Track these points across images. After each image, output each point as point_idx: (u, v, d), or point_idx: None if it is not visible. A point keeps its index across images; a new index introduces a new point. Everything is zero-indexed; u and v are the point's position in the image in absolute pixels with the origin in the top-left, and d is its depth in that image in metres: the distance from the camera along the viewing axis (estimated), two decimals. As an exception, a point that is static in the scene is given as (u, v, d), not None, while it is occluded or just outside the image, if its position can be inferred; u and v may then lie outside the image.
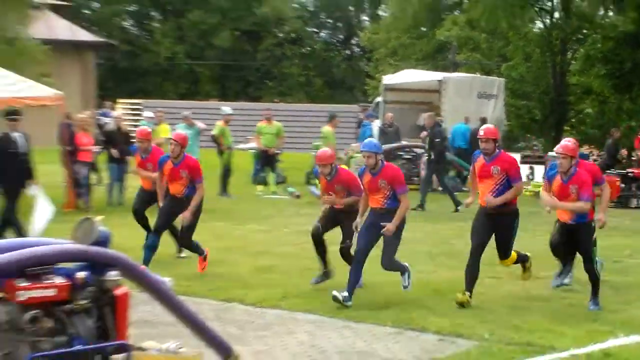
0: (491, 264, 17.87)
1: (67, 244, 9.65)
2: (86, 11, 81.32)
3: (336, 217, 14.76)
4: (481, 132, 14.08)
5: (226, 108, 33.14)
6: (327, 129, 31.23)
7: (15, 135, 19.32)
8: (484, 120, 34.19)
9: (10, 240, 9.84)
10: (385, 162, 14.35)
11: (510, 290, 15.60)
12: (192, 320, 10.51)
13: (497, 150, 14.01)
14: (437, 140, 28.69)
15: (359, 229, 14.39)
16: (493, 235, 14.78)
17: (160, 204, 16.60)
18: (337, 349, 11.77)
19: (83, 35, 58.60)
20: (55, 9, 57.58)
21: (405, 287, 14.71)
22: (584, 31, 50.59)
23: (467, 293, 14.13)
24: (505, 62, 49.13)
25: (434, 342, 12.24)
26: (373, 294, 14.68)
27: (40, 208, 17.95)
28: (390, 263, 14.23)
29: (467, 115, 34.74)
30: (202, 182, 16.83)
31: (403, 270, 14.72)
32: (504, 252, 14.72)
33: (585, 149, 42.31)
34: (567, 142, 14.34)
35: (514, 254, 14.92)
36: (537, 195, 30.81)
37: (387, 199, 13.86)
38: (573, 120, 54.12)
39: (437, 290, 15.35)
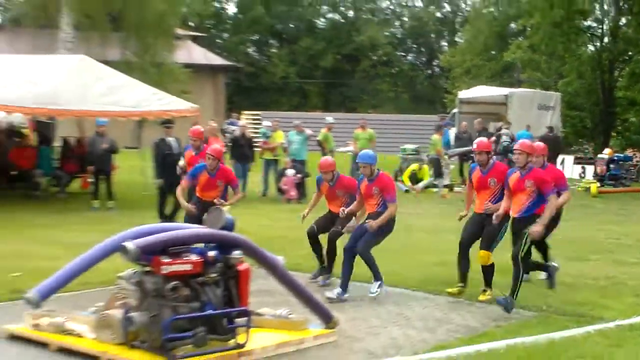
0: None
1: (201, 229, 9.95)
2: (218, 40, 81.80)
3: (333, 219, 13.97)
4: (474, 145, 13.18)
5: (329, 118, 33.37)
6: (435, 137, 31.24)
7: (170, 139, 19.85)
8: (550, 129, 35.43)
9: (153, 225, 10.10)
10: (380, 172, 13.45)
11: (564, 270, 15.39)
12: (300, 291, 10.77)
13: (492, 161, 13.03)
14: (458, 142, 28.65)
15: (350, 232, 13.52)
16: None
17: (184, 203, 15.17)
18: (419, 317, 11.83)
19: (215, 59, 59.06)
20: (193, 38, 58.20)
21: (371, 294, 12.90)
22: (629, 53, 49.86)
23: (460, 285, 13.11)
24: (561, 79, 48.58)
25: (499, 312, 12.13)
26: (448, 272, 14.67)
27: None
28: (364, 251, 12.92)
29: (528, 124, 34.54)
30: (238, 187, 15.94)
31: (377, 275, 13.14)
32: (487, 243, 12.89)
33: (629, 152, 41.93)
34: (525, 140, 13.36)
35: (491, 258, 12.86)
36: (587, 191, 30.65)
37: (379, 205, 13.12)
38: (619, 127, 53.35)
39: (501, 270, 15.16)
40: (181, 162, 16.92)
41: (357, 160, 13.60)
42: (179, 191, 15.38)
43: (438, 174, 29.96)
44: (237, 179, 15.86)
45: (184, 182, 15.20)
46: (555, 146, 34.35)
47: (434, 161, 30.01)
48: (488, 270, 12.85)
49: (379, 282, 12.99)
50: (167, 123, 20.81)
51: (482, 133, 29.47)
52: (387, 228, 13.14)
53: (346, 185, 14.10)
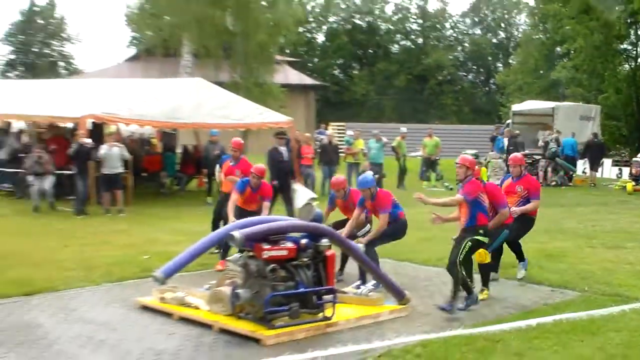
0: (589, 237, 17.73)
1: (295, 220, 10.05)
2: (309, 64, 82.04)
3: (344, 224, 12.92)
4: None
5: (403, 128, 33.42)
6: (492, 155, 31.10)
7: (282, 148, 19.72)
8: (595, 135, 35.31)
9: (256, 217, 10.23)
10: (379, 190, 12.46)
11: (603, 256, 15.23)
12: (377, 273, 10.83)
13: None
14: (511, 147, 28.36)
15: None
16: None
17: (231, 217, 13.70)
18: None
19: (307, 80, 59.27)
20: (289, 63, 58.48)
21: (357, 287, 11.44)
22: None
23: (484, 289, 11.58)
24: (600, 94, 47.79)
25: (547, 292, 12.15)
26: (504, 258, 14.58)
27: (301, 194, 18.00)
28: (368, 250, 11.80)
29: (573, 132, 34.32)
30: (270, 202, 14.27)
31: (363, 278, 11.99)
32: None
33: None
34: (465, 156, 11.51)
35: (488, 257, 11.02)
36: (624, 189, 30.18)
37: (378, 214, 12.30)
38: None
39: (549, 255, 15.10)
40: (217, 171, 16.10)
41: (357, 187, 12.72)
42: (230, 205, 13.99)
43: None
44: (271, 196, 14.54)
45: (234, 195, 13.95)
46: (600, 150, 34.58)
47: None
48: (485, 269, 11.52)
49: (369, 282, 11.57)
50: (280, 134, 20.84)
51: (511, 140, 29.22)
52: (396, 232, 12.48)
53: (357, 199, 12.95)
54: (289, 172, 19.79)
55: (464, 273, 10.55)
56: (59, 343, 9.09)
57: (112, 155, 20.76)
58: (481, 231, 10.70)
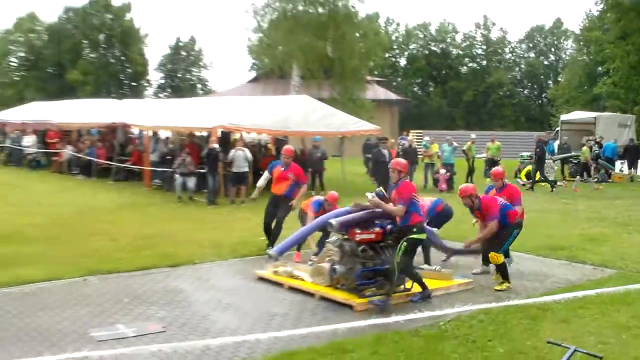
0: (626, 225, 17.29)
1: (377, 211, 9.94)
2: (394, 83, 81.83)
3: None
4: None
5: (472, 134, 33.18)
6: (585, 148, 29.98)
7: (384, 150, 19.43)
8: (631, 140, 35.06)
9: (348, 207, 10.21)
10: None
11: (638, 240, 14.86)
12: (452, 251, 10.79)
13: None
14: (538, 150, 27.55)
15: None
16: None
17: (257, 193, 13.59)
18: (532, 272, 11.63)
19: (392, 96, 58.94)
20: (377, 82, 58.31)
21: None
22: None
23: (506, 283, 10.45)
24: (636, 105, 46.20)
25: (590, 270, 11.94)
26: (554, 241, 14.24)
27: None
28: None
29: (615, 138, 33.68)
30: (305, 183, 13.67)
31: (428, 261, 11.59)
32: (496, 247, 10.31)
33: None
34: (398, 160, 10.20)
35: (500, 258, 10.29)
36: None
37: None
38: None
39: (592, 239, 14.75)
40: (264, 178, 14.32)
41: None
42: (261, 181, 13.53)
43: (588, 174, 28.91)
44: (306, 178, 13.82)
45: (266, 174, 13.30)
46: (636, 152, 33.84)
47: (583, 165, 29.10)
48: (500, 268, 10.47)
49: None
50: (383, 139, 20.66)
51: (538, 144, 28.46)
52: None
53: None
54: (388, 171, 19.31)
55: (399, 273, 9.28)
56: (195, 305, 9.27)
57: (239, 157, 21.02)
58: (415, 229, 9.35)
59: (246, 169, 21.21)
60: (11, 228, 14.99)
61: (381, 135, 25.73)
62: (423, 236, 9.69)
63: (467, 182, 28.11)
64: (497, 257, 10.25)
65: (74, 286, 10.15)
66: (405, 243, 9.28)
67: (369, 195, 9.82)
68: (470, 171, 28.77)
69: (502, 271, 10.50)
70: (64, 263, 11.50)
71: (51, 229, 15.17)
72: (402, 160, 10.06)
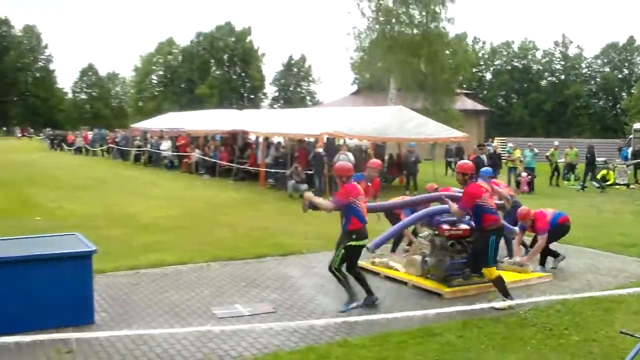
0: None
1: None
2: (480, 95, 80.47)
3: None
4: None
5: (556, 142, 32.34)
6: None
7: (483, 156, 18.66)
8: None
9: (439, 207, 10.05)
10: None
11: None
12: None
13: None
14: (589, 155, 26.38)
15: None
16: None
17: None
18: (605, 268, 11.12)
19: (478, 106, 58.00)
20: (465, 94, 57.30)
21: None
22: None
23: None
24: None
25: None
26: (627, 239, 13.63)
27: None
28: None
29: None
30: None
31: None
32: (481, 262, 8.56)
33: None
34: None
35: (494, 272, 8.48)
36: None
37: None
38: None
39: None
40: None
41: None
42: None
43: None
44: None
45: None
46: None
47: None
48: (496, 283, 8.51)
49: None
50: (481, 145, 20.00)
51: (590, 149, 27.19)
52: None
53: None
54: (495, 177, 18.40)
55: (343, 277, 8.37)
56: (302, 289, 9.33)
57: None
58: (354, 236, 8.20)
59: (349, 171, 21.19)
60: (150, 219, 15.49)
61: (480, 143, 25.36)
62: (362, 242, 8.33)
63: (550, 183, 27.46)
64: (490, 272, 8.47)
65: (200, 270, 10.37)
66: (343, 250, 8.26)
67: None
68: (556, 173, 28.16)
69: (499, 286, 8.54)
70: (191, 250, 11.78)
71: (182, 220, 15.59)
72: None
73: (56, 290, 7.18)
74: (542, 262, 10.74)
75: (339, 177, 8.50)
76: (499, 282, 8.53)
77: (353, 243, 8.25)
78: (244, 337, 7.06)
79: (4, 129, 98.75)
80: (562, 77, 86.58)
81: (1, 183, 23.42)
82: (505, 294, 8.44)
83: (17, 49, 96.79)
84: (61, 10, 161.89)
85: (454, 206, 8.82)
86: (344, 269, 8.39)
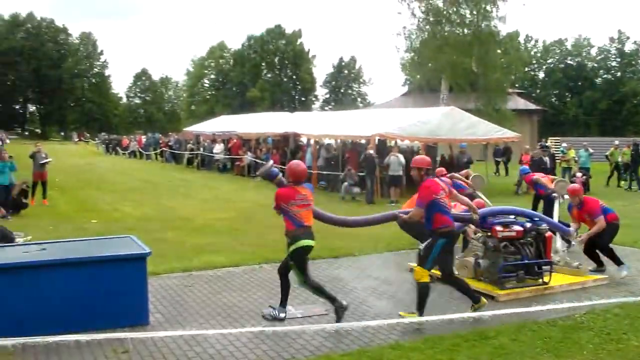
0: None
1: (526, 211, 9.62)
2: (533, 94, 79.24)
3: None
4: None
5: (616, 141, 31.51)
6: None
7: (545, 158, 17.96)
8: None
9: (502, 207, 9.93)
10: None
11: None
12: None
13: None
14: (634, 152, 25.62)
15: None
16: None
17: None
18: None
19: (531, 106, 57.05)
20: (518, 94, 56.40)
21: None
22: None
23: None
24: None
25: None
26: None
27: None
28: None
29: None
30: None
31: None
32: (421, 260, 7.81)
33: None
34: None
35: (425, 277, 7.69)
36: None
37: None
38: None
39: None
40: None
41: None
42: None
43: None
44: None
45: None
46: None
47: None
48: (419, 290, 7.71)
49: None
50: (543, 147, 19.39)
51: (634, 147, 26.41)
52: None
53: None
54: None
55: (285, 282, 8.00)
56: (354, 291, 9.32)
57: (394, 161, 20.98)
58: (288, 240, 7.87)
59: (400, 173, 21.15)
60: (203, 221, 15.69)
61: (543, 144, 24.96)
62: (300, 244, 7.79)
63: (607, 184, 26.88)
64: (421, 273, 7.67)
65: (252, 272, 10.45)
66: (291, 262, 7.86)
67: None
68: (618, 172, 27.81)
69: (420, 295, 7.72)
70: (244, 252, 11.88)
71: (234, 222, 15.75)
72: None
73: (112, 291, 7.35)
74: (600, 263, 10.47)
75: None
76: (422, 290, 7.71)
77: (292, 248, 7.82)
78: (296, 339, 7.09)
79: (62, 134, 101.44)
80: (618, 74, 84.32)
81: (60, 187, 24.03)
82: (421, 307, 7.69)
83: (74, 56, 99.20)
84: (116, 16, 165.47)
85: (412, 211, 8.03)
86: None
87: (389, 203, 20.22)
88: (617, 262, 10.28)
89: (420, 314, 7.65)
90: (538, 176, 14.01)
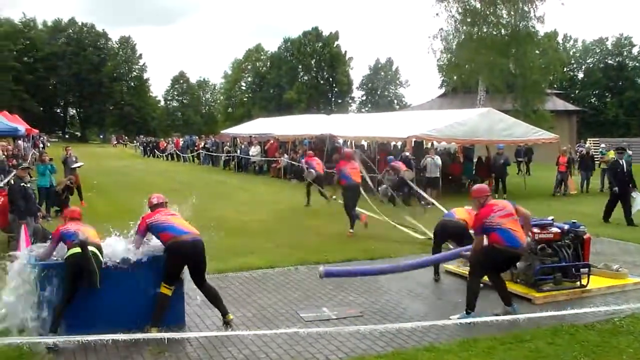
0: None
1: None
2: (571, 95, 78.13)
3: None
4: None
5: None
6: None
7: (622, 161, 17.21)
8: None
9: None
10: None
11: None
12: None
13: None
14: None
15: None
16: None
17: None
18: None
19: (570, 107, 56.23)
20: (556, 94, 55.67)
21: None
22: None
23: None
24: None
25: None
26: None
27: (638, 201, 16.06)
28: None
29: None
30: None
31: None
32: None
33: None
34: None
35: (167, 290, 7.37)
36: None
37: None
38: None
39: None
40: None
41: None
42: None
43: None
44: None
45: None
46: None
47: None
48: (158, 300, 7.36)
49: None
50: (619, 149, 18.71)
51: None
52: None
53: None
54: (627, 181, 16.73)
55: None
56: (389, 293, 9.32)
57: (431, 163, 20.89)
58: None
59: (437, 174, 21.05)
60: (239, 224, 15.79)
61: (619, 146, 24.46)
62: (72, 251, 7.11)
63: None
64: (162, 290, 7.35)
65: (287, 273, 10.50)
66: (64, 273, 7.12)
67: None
68: None
69: (157, 309, 7.32)
70: (279, 253, 11.93)
71: (270, 224, 15.82)
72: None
73: (149, 291, 7.45)
74: None
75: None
76: (160, 301, 7.30)
77: (67, 254, 7.18)
78: (331, 341, 7.11)
79: (101, 137, 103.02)
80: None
81: (100, 189, 24.40)
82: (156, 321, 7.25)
83: (113, 60, 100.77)
84: (155, 22, 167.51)
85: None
86: None
87: (424, 205, 20.05)
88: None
89: (157, 324, 7.27)
90: None
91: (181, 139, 56.04)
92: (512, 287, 9.14)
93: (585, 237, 9.48)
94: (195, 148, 46.34)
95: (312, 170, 19.52)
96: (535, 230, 9.09)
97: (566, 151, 25.17)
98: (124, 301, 7.33)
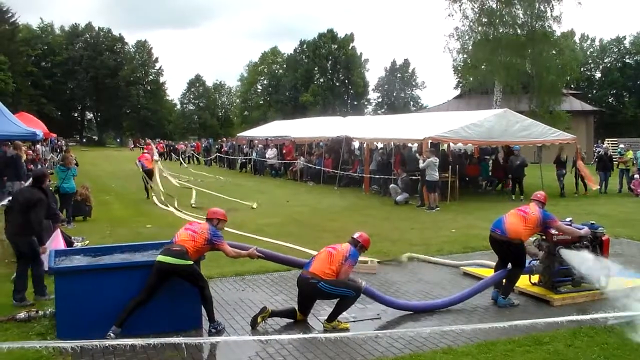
0: None
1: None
2: (589, 95, 77.41)
3: None
4: None
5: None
6: None
7: None
8: None
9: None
10: None
11: None
12: None
13: None
14: None
15: None
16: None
17: None
18: None
19: (587, 107, 55.80)
20: (573, 94, 55.28)
21: None
22: None
23: None
24: None
25: None
26: None
27: None
28: None
29: None
30: None
31: None
32: None
33: None
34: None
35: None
36: None
37: None
38: None
39: None
40: None
41: None
42: None
43: None
44: None
45: None
46: None
47: None
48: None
49: None
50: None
51: None
52: None
53: None
54: None
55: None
56: (406, 295, 9.30)
57: (432, 164, 20.49)
58: None
59: (436, 177, 20.76)
60: (256, 226, 15.80)
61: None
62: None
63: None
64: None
65: (305, 276, 10.46)
66: None
67: None
68: None
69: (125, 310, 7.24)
70: (297, 256, 11.86)
71: (287, 227, 15.84)
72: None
73: (165, 295, 7.46)
74: None
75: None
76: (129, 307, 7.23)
77: None
78: (348, 343, 7.08)
79: (118, 140, 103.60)
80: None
81: (116, 192, 24.55)
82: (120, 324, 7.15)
83: (130, 64, 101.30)
84: (171, 25, 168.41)
85: None
86: None
87: (426, 209, 19.79)
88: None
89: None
90: None
91: (201, 143, 56.74)
92: (530, 290, 9.11)
93: (604, 238, 9.39)
94: (222, 150, 46.35)
95: None
96: (553, 232, 9.02)
97: (580, 151, 25.04)
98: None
